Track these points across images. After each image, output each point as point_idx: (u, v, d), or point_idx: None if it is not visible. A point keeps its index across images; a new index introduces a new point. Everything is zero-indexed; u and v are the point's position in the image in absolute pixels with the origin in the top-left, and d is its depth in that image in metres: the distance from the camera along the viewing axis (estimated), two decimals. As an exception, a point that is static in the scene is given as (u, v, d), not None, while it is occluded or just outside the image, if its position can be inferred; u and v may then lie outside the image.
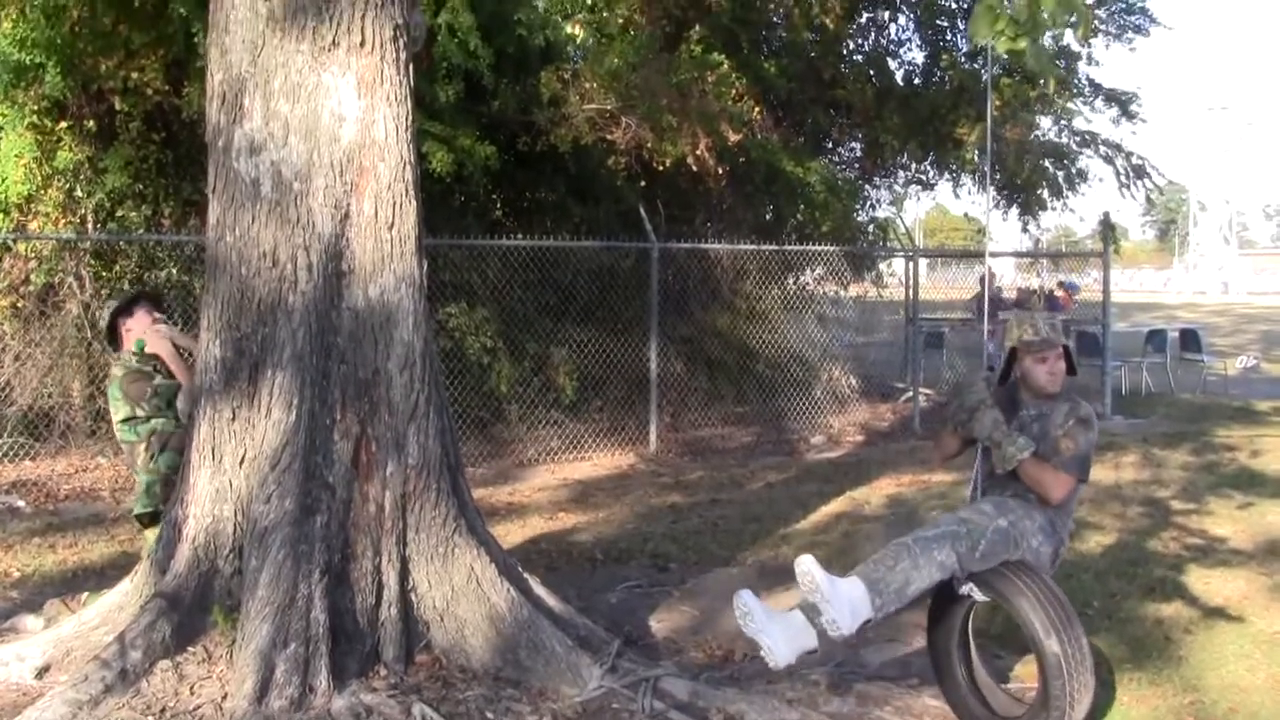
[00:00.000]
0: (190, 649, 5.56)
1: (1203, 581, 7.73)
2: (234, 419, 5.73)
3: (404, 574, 5.83)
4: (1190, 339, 21.08)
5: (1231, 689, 5.96)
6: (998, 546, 5.31)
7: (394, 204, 5.81)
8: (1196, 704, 5.78)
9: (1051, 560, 5.56)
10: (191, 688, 5.38)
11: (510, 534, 8.96)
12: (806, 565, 5.23)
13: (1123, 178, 22.66)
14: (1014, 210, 23.56)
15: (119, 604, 6.04)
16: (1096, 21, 21.12)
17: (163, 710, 5.23)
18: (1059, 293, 31.31)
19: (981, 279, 27.89)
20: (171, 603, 5.59)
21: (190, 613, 5.63)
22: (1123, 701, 5.79)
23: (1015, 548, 5.36)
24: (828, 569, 5.32)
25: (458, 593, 5.89)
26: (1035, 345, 5.72)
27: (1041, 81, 18.05)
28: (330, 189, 5.69)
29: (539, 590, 6.33)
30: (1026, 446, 5.53)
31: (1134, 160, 22.58)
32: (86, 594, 6.97)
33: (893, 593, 5.20)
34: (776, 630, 5.23)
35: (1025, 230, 25.58)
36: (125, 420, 6.81)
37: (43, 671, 5.69)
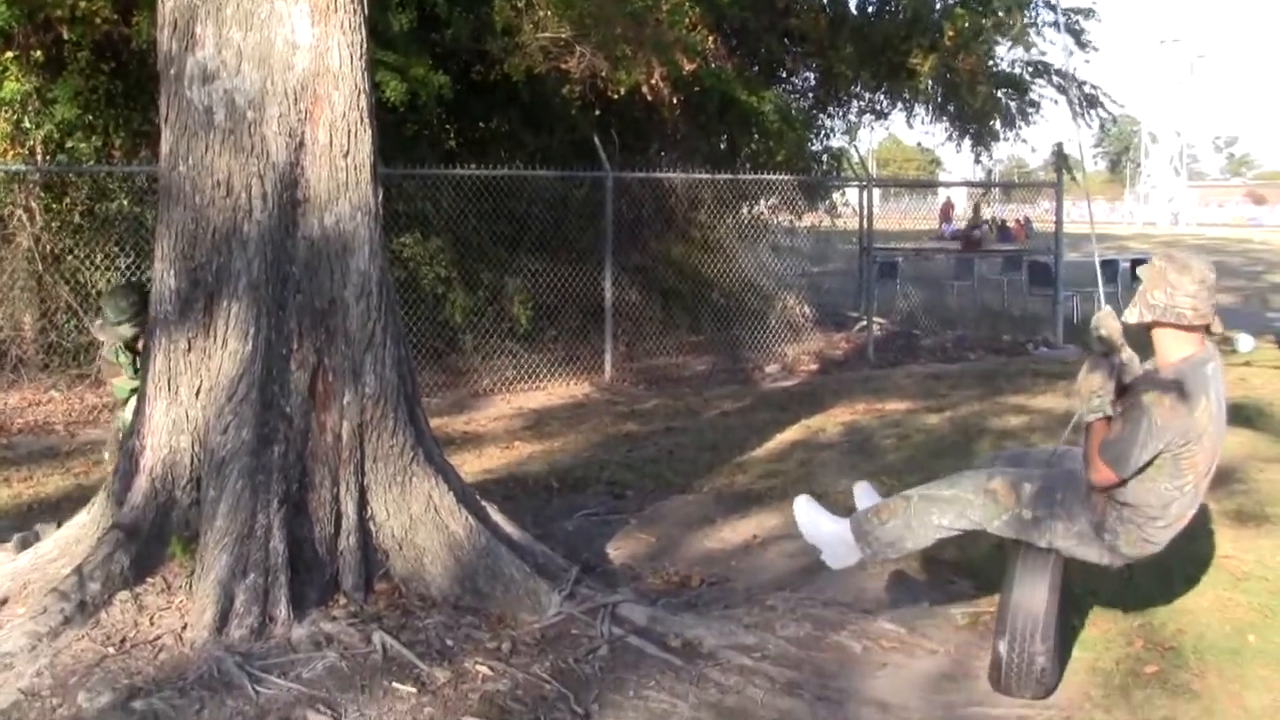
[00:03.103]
0: (149, 580, 5.56)
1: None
2: (189, 350, 5.70)
3: (362, 503, 5.84)
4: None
5: (1180, 611, 6.05)
6: (1013, 528, 5.05)
7: (349, 132, 5.76)
8: (1146, 626, 5.87)
9: (1099, 563, 5.11)
10: (151, 618, 5.38)
11: (467, 463, 8.97)
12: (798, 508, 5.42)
13: (1076, 106, 22.73)
14: (966, 142, 23.62)
15: (76, 536, 6.01)
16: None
17: (123, 641, 5.23)
18: (1011, 224, 31.49)
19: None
20: (129, 534, 5.59)
21: (148, 544, 5.62)
22: (1075, 625, 5.86)
23: (1040, 537, 5.03)
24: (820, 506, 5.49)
25: (416, 521, 5.91)
26: None
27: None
28: (284, 117, 5.64)
29: (497, 518, 6.35)
30: (1097, 410, 4.91)
31: (1087, 89, 22.66)
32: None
33: (885, 545, 5.22)
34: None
35: (978, 162, 25.67)
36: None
37: (1, 604, 5.67)
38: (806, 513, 5.43)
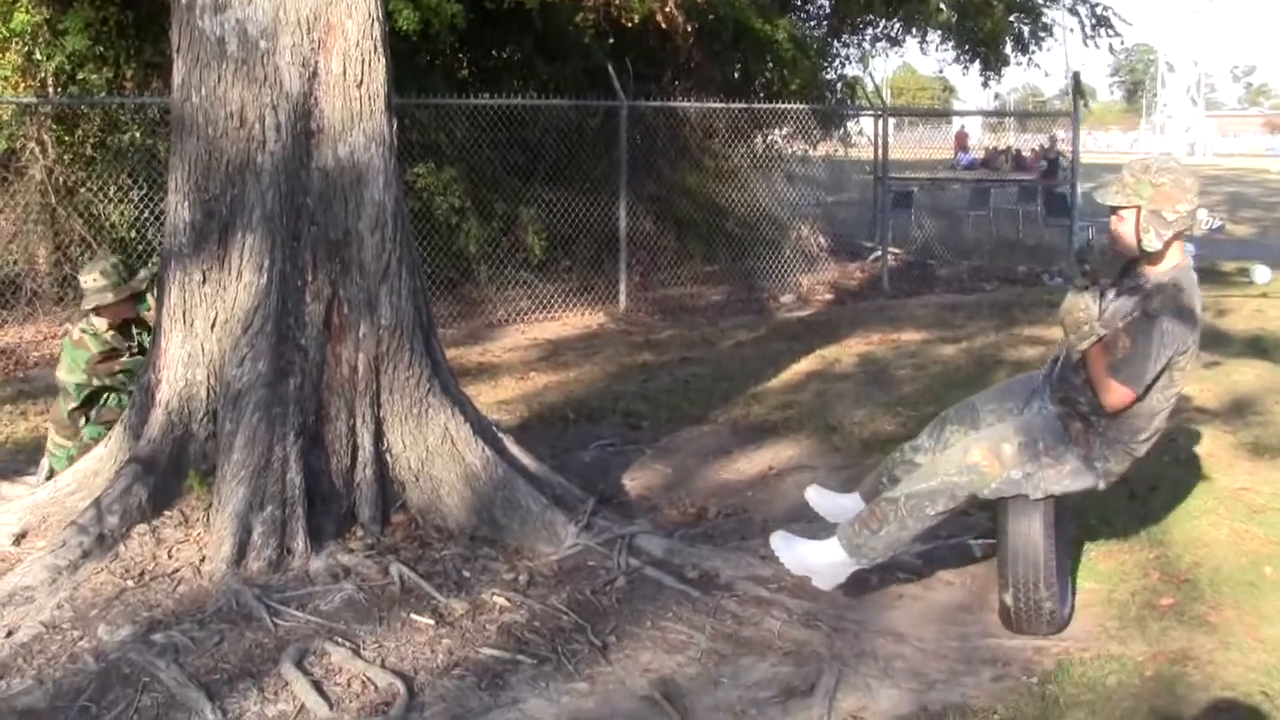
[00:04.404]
0: (167, 513, 5.59)
1: (1168, 439, 7.80)
2: (204, 282, 5.68)
3: (378, 435, 5.85)
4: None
5: (1196, 544, 6.03)
6: (1006, 490, 5.00)
7: (362, 61, 5.71)
8: (1162, 558, 5.85)
9: (1093, 488, 5.11)
10: (169, 551, 5.41)
11: (482, 394, 8.96)
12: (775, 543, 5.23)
13: (1086, 28, 22.56)
14: (976, 65, 23.41)
15: (94, 469, 6.03)
16: None
17: (141, 574, 5.26)
18: (1027, 153, 31.28)
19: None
20: (146, 467, 5.60)
21: (165, 477, 5.64)
22: (1091, 556, 5.86)
23: (1034, 490, 4.99)
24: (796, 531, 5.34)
25: (432, 453, 5.92)
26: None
27: None
28: (297, 46, 5.59)
29: (513, 449, 6.36)
30: (1090, 334, 4.86)
31: (1098, 10, 22.47)
32: None
33: (884, 550, 5.08)
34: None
35: (985, 85, 25.43)
36: (77, 384, 6.83)
37: (19, 538, 5.69)
38: (787, 547, 5.20)
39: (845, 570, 5.13)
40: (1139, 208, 4.84)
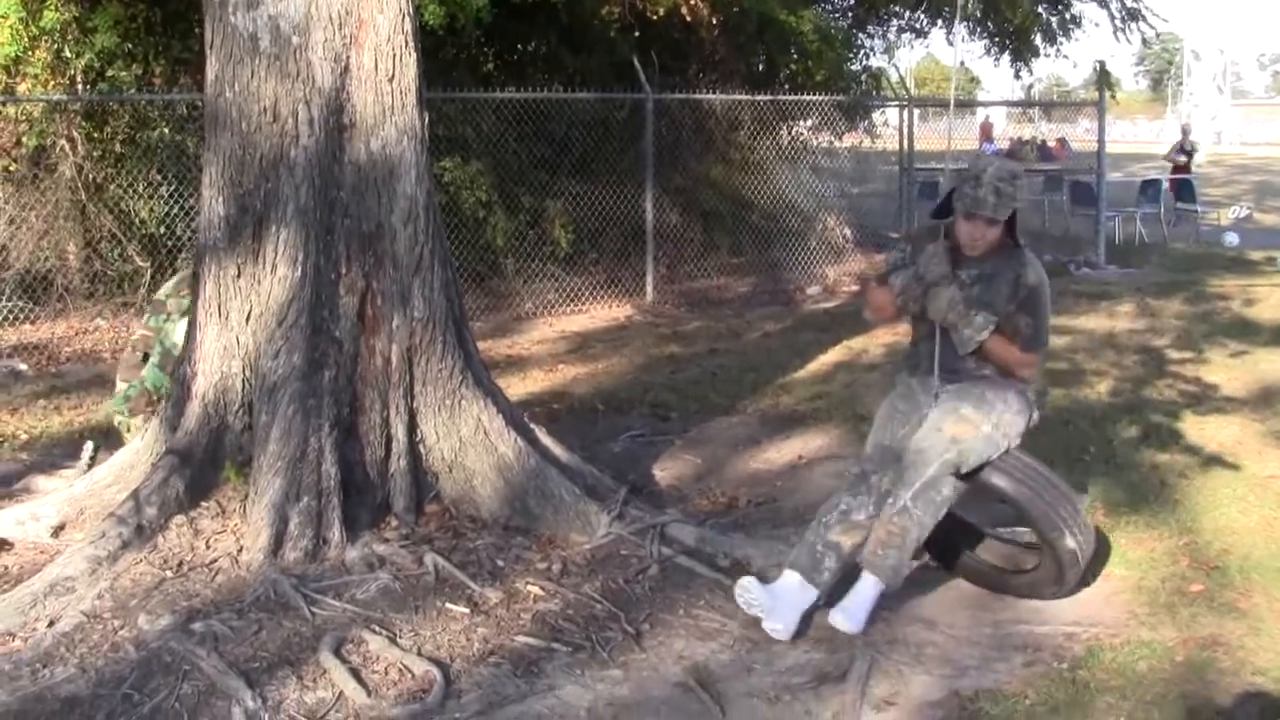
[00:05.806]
0: (204, 504, 5.66)
1: (1197, 428, 7.81)
2: (239, 275, 5.74)
3: (412, 426, 5.91)
4: (1184, 189, 21.02)
5: (1225, 531, 6.05)
6: (986, 450, 5.07)
7: (394, 56, 5.76)
8: (1191, 546, 5.87)
9: (1029, 428, 5.23)
10: (207, 542, 5.47)
11: (511, 386, 8.99)
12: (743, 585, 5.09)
13: (1117, 21, 22.44)
14: (1005, 58, 23.34)
15: (130, 462, 6.10)
16: None
17: (180, 564, 5.32)
18: (1052, 143, 31.12)
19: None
20: (183, 459, 5.66)
21: (202, 469, 5.71)
22: (1120, 544, 5.87)
23: (1006, 439, 5.09)
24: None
25: (466, 444, 5.97)
26: (967, 201, 5.02)
27: None
28: (329, 42, 5.64)
29: (545, 440, 6.40)
30: (985, 325, 5.06)
31: (1128, 3, 22.34)
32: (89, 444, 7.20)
33: (908, 561, 5.06)
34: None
35: (1017, 78, 25.33)
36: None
37: (58, 530, 5.76)
38: (846, 618, 4.96)
39: (807, 598, 5.04)
40: (1015, 210, 5.09)
